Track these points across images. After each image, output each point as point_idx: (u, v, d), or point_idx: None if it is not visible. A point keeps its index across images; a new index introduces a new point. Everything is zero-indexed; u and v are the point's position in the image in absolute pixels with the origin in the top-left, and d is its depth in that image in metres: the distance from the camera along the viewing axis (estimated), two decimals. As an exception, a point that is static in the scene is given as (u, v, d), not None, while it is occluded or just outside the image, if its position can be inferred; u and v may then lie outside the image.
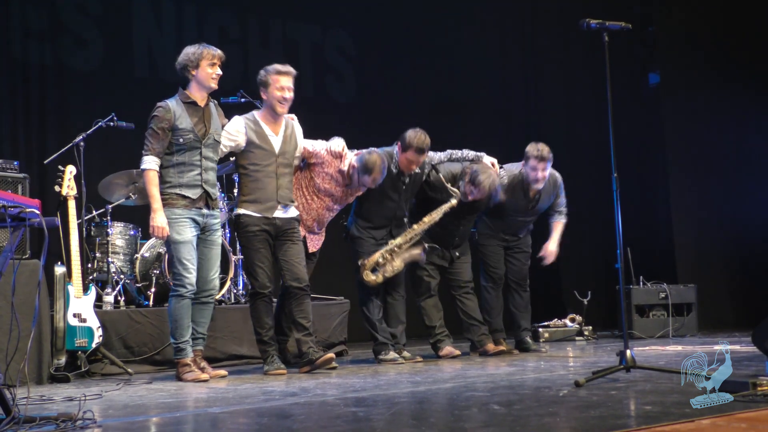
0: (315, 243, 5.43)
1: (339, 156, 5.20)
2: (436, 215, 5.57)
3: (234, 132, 4.93)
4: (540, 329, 7.10)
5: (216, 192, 4.87)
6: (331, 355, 5.00)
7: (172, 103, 4.73)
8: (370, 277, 5.42)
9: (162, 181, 4.70)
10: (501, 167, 5.94)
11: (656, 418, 2.70)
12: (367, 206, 5.57)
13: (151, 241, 6.06)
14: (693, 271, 8.55)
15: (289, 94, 4.97)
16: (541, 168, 5.81)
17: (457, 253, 5.90)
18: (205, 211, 4.76)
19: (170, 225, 4.65)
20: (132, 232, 6.18)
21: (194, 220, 4.71)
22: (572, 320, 7.36)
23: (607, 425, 2.66)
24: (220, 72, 4.80)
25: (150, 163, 4.65)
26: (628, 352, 3.78)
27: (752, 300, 8.71)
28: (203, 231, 4.78)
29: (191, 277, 4.64)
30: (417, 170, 5.57)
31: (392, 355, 5.45)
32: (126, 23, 7.57)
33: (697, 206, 9.03)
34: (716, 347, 5.62)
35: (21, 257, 4.71)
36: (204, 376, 4.62)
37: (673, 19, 9.25)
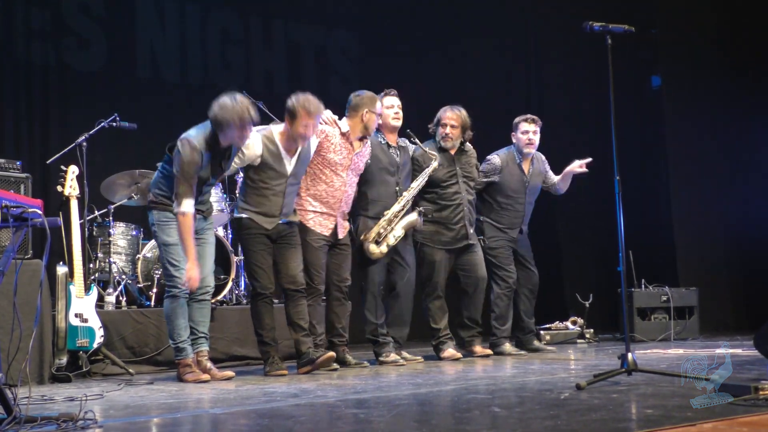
0: (343, 230, 5.39)
1: (334, 122, 5.27)
2: (421, 179, 5.61)
3: (252, 147, 4.87)
4: (542, 332, 7.09)
5: (210, 209, 4.93)
6: (331, 354, 5.00)
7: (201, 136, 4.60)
8: (375, 250, 5.39)
9: (158, 187, 4.70)
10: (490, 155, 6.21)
11: (658, 422, 2.70)
12: (370, 192, 5.52)
13: (153, 241, 6.06)
14: (695, 274, 8.54)
15: (312, 133, 4.98)
16: (531, 131, 6.09)
17: (471, 241, 5.93)
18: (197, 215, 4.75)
19: (160, 227, 4.67)
20: (134, 233, 6.18)
21: None
22: (574, 323, 7.35)
23: (608, 428, 2.66)
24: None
25: (188, 206, 4.54)
26: (630, 355, 3.77)
27: (754, 303, 8.70)
28: (195, 232, 4.75)
29: (183, 276, 4.65)
30: (403, 145, 5.72)
31: (393, 356, 5.45)
32: (129, 24, 7.58)
33: (699, 209, 9.02)
34: (718, 351, 5.62)
35: (23, 257, 4.71)
36: (205, 376, 4.62)
37: (675, 22, 9.25)
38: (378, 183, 5.53)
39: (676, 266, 8.69)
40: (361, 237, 5.45)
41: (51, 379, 4.80)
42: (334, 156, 5.18)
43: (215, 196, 6.07)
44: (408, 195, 5.55)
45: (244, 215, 4.95)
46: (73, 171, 5.23)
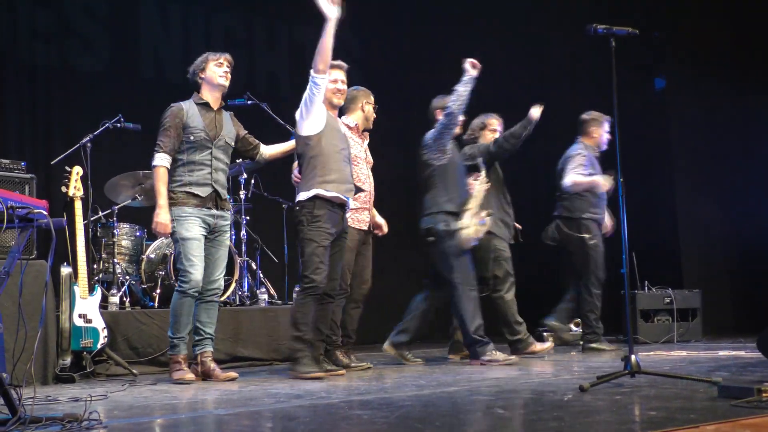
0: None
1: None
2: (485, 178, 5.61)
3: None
4: (545, 333, 7.09)
5: (225, 192, 4.89)
6: (342, 372, 4.95)
7: (186, 104, 4.82)
8: (470, 236, 5.31)
9: (172, 179, 4.73)
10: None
11: (661, 424, 2.70)
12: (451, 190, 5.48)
13: (157, 242, 6.07)
14: (698, 277, 8.54)
15: (343, 86, 5.02)
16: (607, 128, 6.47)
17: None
18: (215, 211, 4.78)
19: (179, 222, 4.67)
20: (138, 233, 6.20)
21: (203, 220, 4.73)
22: (577, 325, 7.35)
23: (611, 430, 2.67)
24: (227, 70, 4.86)
25: (161, 160, 4.69)
26: (633, 357, 3.78)
27: (757, 305, 8.69)
28: (212, 232, 4.79)
29: (197, 273, 4.65)
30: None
31: (499, 355, 5.34)
32: (133, 25, 7.60)
33: (703, 211, 9.01)
34: (721, 353, 5.63)
35: (28, 258, 4.72)
36: (189, 376, 4.64)
37: (679, 24, 9.25)
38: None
39: (679, 268, 8.68)
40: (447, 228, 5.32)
41: (55, 379, 4.82)
42: (353, 150, 5.19)
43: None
44: (480, 193, 5.48)
45: (320, 191, 4.72)
46: (77, 172, 5.24)
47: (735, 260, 9.09)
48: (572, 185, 6.26)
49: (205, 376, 4.74)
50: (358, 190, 5.12)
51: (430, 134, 5.52)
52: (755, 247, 8.96)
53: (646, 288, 7.41)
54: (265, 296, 6.30)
